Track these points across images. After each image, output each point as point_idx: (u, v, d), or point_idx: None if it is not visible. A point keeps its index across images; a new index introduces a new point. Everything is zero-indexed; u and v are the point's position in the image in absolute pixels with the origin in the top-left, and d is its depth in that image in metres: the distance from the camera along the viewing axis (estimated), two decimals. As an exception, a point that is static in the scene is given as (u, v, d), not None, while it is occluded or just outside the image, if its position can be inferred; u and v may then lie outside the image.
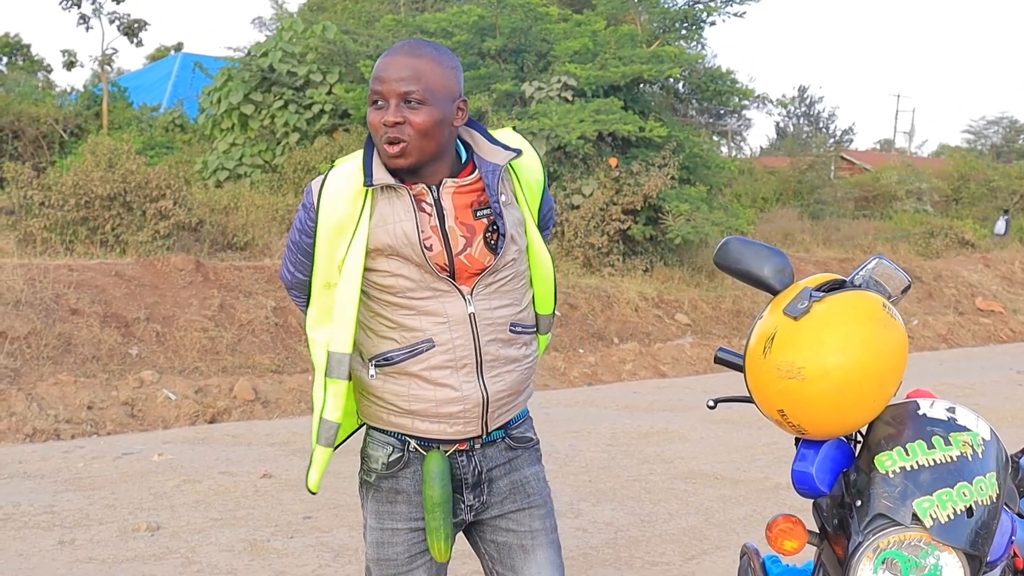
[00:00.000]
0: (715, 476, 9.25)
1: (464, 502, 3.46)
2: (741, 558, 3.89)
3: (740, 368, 3.50)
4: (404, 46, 3.31)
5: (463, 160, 3.41)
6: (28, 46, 41.48)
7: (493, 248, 3.34)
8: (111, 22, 30.78)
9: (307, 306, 3.53)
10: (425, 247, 3.26)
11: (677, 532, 7.64)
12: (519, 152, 3.42)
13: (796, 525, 3.31)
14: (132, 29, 31.28)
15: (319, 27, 25.14)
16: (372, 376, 3.37)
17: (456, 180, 3.33)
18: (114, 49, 52.50)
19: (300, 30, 25.68)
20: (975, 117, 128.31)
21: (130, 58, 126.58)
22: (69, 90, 36.60)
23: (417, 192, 3.31)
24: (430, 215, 3.31)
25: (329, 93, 24.33)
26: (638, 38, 23.56)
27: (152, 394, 11.78)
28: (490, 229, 3.35)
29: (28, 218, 16.33)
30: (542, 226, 3.61)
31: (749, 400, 3.41)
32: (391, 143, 3.23)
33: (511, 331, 3.40)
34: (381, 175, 3.29)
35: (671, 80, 24.80)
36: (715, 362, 3.85)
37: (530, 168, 3.50)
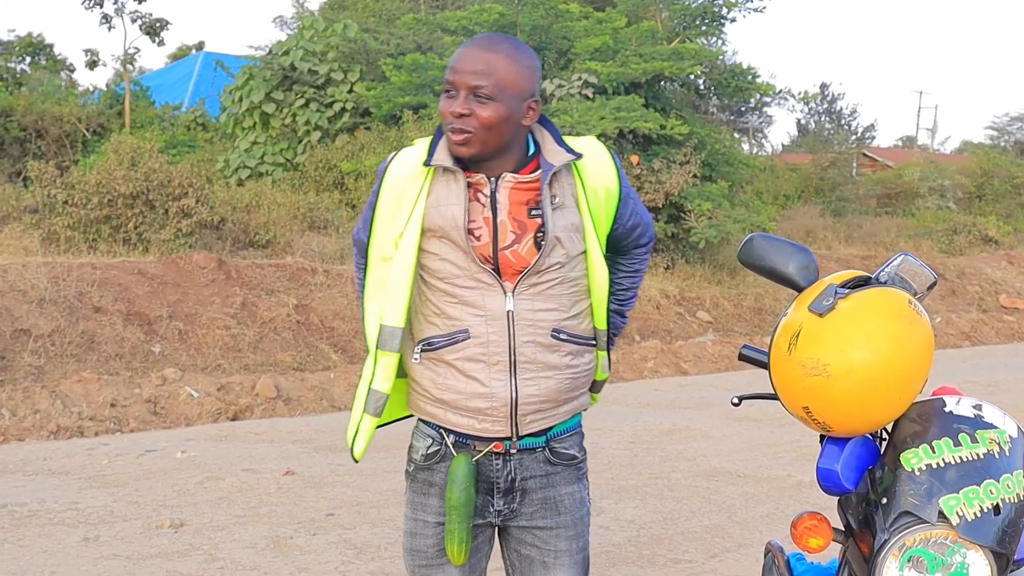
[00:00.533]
0: (738, 474, 9.26)
1: (493, 506, 3.46)
2: (765, 556, 3.86)
3: (765, 365, 3.46)
4: (483, 39, 3.33)
5: (530, 156, 3.42)
6: (51, 46, 41.49)
7: (542, 248, 3.32)
8: (133, 21, 30.81)
9: (360, 269, 3.61)
10: (472, 235, 3.28)
11: (700, 530, 7.64)
12: (579, 156, 3.38)
13: (821, 523, 3.29)
14: (154, 28, 31.31)
15: (340, 26, 25.15)
16: (416, 360, 3.39)
17: (516, 176, 3.33)
18: (136, 48, 52.55)
19: (321, 29, 25.69)
20: (998, 113, 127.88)
21: (152, 57, 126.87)
22: (92, 89, 36.64)
23: (475, 181, 3.33)
24: (484, 205, 3.32)
25: (350, 91, 24.33)
26: (659, 35, 23.53)
27: (175, 392, 11.82)
28: (542, 229, 3.33)
29: (52, 216, 16.35)
30: (622, 239, 3.59)
31: (774, 397, 3.39)
32: (455, 132, 3.25)
33: (553, 336, 3.35)
34: (442, 157, 3.31)
35: (692, 77, 24.75)
36: (739, 359, 3.82)
37: (599, 174, 3.44)
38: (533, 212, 3.32)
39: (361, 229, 3.59)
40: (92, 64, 34.99)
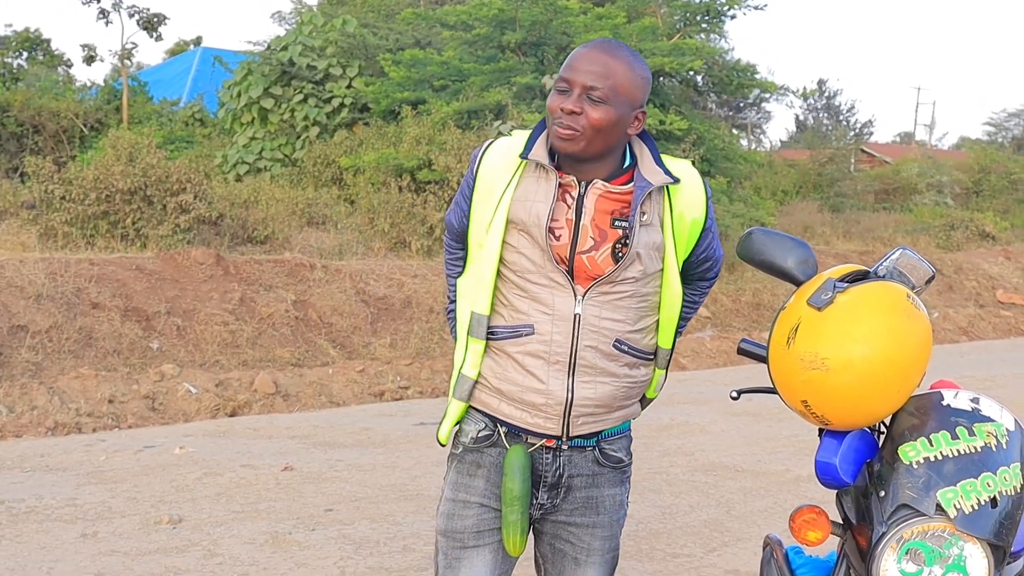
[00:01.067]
0: (736, 468, 9.30)
1: (537, 499, 3.49)
2: (764, 549, 3.86)
3: (763, 359, 3.49)
4: (604, 43, 3.36)
5: (624, 168, 3.43)
6: (48, 41, 41.44)
7: (618, 260, 3.34)
8: (130, 16, 30.77)
9: (452, 250, 3.70)
10: (552, 234, 3.32)
11: (698, 524, 7.68)
12: (676, 180, 3.40)
13: (820, 516, 3.30)
14: (151, 23, 31.28)
15: (339, 21, 25.20)
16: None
17: (606, 184, 3.35)
18: (134, 43, 52.41)
19: (320, 24, 25.73)
20: (996, 110, 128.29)
21: (150, 52, 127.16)
22: (89, 85, 36.65)
23: (565, 182, 3.36)
24: (569, 207, 3.35)
25: (349, 87, 24.39)
26: (659, 31, 23.57)
27: (173, 388, 11.82)
28: (621, 241, 3.35)
29: (49, 212, 16.33)
30: (691, 268, 3.60)
31: (772, 391, 3.42)
32: (563, 128, 3.28)
33: (615, 347, 3.39)
34: (539, 152, 3.35)
35: (691, 73, 24.80)
36: (738, 353, 3.87)
37: (689, 202, 3.47)
38: (616, 222, 3.35)
39: (452, 212, 3.64)
40: (89, 59, 35.02)
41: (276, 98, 24.60)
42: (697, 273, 3.62)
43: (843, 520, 3.39)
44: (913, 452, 3.09)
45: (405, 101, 22.78)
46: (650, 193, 3.35)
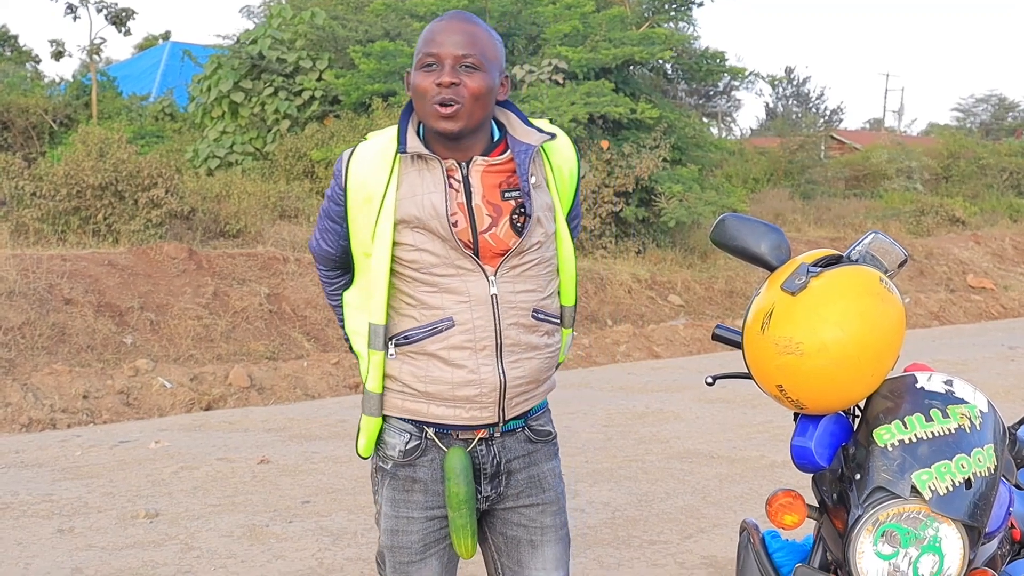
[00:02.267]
0: (711, 455, 9.33)
1: (481, 493, 3.45)
2: (741, 533, 3.82)
3: (738, 345, 3.48)
4: (457, 14, 3.33)
5: (495, 140, 3.40)
6: (15, 37, 41.43)
7: (519, 230, 3.32)
8: (98, 11, 30.68)
9: (331, 281, 3.63)
10: (451, 222, 3.25)
11: (674, 511, 7.71)
12: (553, 135, 3.41)
13: (796, 500, 3.30)
14: (120, 18, 31.19)
15: (308, 13, 25.13)
16: (391, 356, 3.37)
17: (487, 159, 3.32)
18: (102, 39, 52.49)
19: (289, 17, 25.67)
20: (964, 95, 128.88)
21: (118, 47, 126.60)
22: (58, 80, 36.53)
23: (447, 167, 3.29)
24: (457, 191, 3.29)
25: (319, 79, 24.33)
26: (627, 20, 23.61)
27: (147, 382, 11.83)
28: (517, 211, 3.32)
29: (20, 209, 16.30)
30: (569, 225, 3.57)
31: (748, 376, 3.40)
32: (444, 104, 3.21)
33: (533, 317, 3.38)
34: (415, 144, 3.29)
35: (661, 62, 24.85)
36: (713, 339, 3.84)
37: (564, 156, 3.49)
38: (506, 194, 3.32)
39: (320, 240, 3.57)
40: (58, 55, 34.94)
41: (246, 92, 24.54)
42: (568, 221, 3.58)
43: (819, 504, 3.40)
44: (888, 435, 3.09)
45: (376, 93, 22.75)
46: (533, 157, 3.35)
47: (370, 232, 3.32)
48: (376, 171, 3.30)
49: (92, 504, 7.79)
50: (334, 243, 3.50)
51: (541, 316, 3.39)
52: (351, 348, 3.53)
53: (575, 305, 3.59)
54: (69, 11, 30.35)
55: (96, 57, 33.18)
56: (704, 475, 8.66)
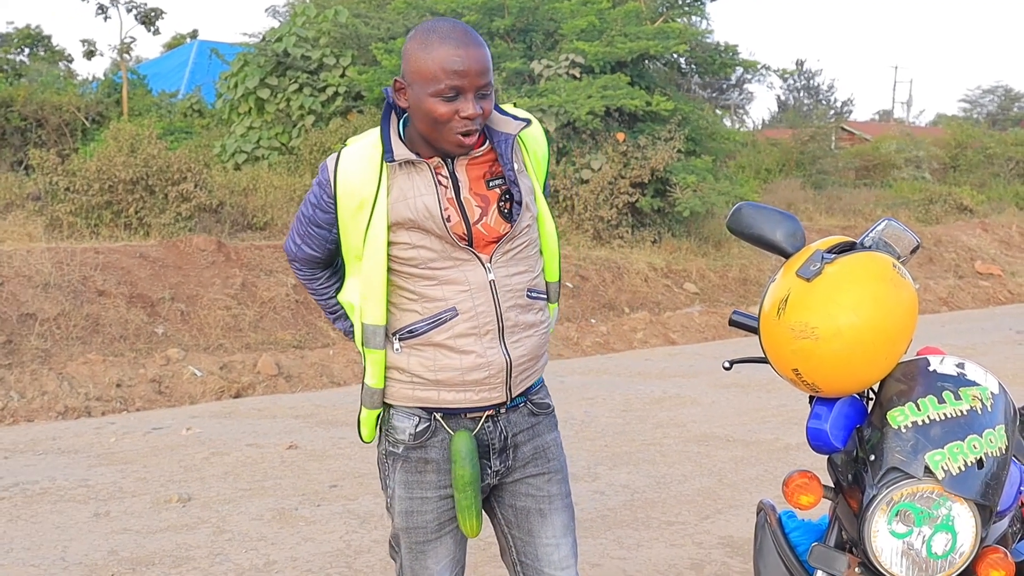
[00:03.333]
0: (727, 438, 9.40)
1: (490, 468, 3.54)
2: (758, 514, 3.88)
3: (754, 330, 3.54)
4: (468, 35, 3.26)
5: None
6: (49, 37, 41.47)
7: (507, 216, 3.40)
8: (128, 11, 30.88)
9: (314, 278, 3.69)
10: (445, 219, 3.31)
11: (692, 493, 7.79)
12: (529, 122, 3.47)
13: (812, 480, 3.35)
14: (149, 18, 31.36)
15: (331, 12, 25.15)
16: (397, 351, 3.43)
17: (469, 153, 3.38)
18: (132, 38, 52.45)
19: (313, 15, 25.69)
20: (971, 86, 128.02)
21: (148, 46, 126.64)
22: (90, 79, 36.65)
23: (434, 166, 3.35)
24: (446, 187, 3.35)
25: (343, 76, 24.37)
26: (643, 15, 23.62)
27: (178, 371, 11.91)
28: (503, 198, 3.41)
29: (54, 203, 16.44)
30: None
31: (764, 361, 3.44)
32: (467, 135, 3.27)
33: (528, 296, 3.47)
34: (402, 151, 3.32)
35: (675, 56, 24.85)
36: (730, 325, 3.88)
37: (537, 140, 3.57)
38: (491, 183, 3.42)
39: (302, 245, 3.59)
40: (89, 54, 35.13)
41: (272, 88, 24.60)
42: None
43: (834, 484, 3.44)
44: (901, 417, 3.14)
45: (398, 89, 22.83)
46: (512, 143, 3.42)
47: (361, 237, 3.38)
48: (365, 178, 3.34)
49: (127, 489, 7.87)
50: (320, 247, 3.55)
51: (534, 295, 3.51)
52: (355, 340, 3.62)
53: (559, 280, 3.70)
54: (100, 11, 30.53)
55: (126, 56, 33.38)
56: (720, 458, 8.74)
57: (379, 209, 3.33)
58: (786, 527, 3.76)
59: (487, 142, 3.44)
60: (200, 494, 7.75)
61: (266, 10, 51.67)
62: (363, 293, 3.43)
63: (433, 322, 3.38)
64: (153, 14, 31.27)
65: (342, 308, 3.69)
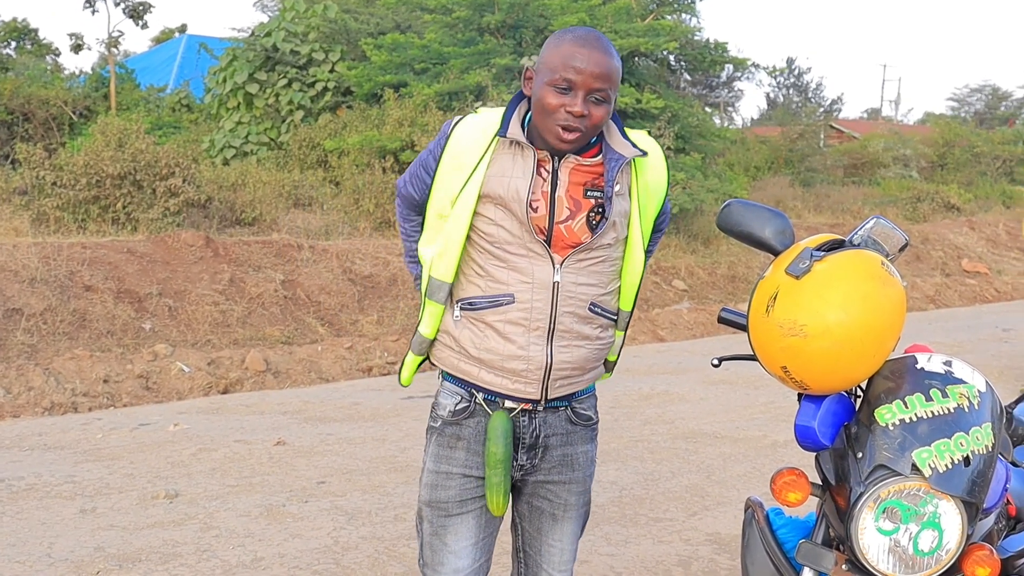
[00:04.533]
0: (715, 435, 9.41)
1: (516, 460, 3.61)
2: (746, 511, 3.89)
3: (743, 327, 3.53)
4: (598, 40, 3.38)
5: (592, 142, 3.51)
6: (36, 30, 41.37)
7: (592, 227, 3.44)
8: (116, 5, 30.84)
9: (408, 218, 3.85)
10: (531, 207, 3.40)
11: (679, 489, 7.81)
12: (645, 153, 3.52)
13: (800, 478, 3.35)
14: (137, 12, 31.33)
15: (321, 7, 25.17)
16: (456, 317, 3.54)
17: (578, 158, 3.45)
18: (120, 32, 52.28)
19: (302, 10, 25.71)
20: (959, 85, 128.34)
21: (136, 40, 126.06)
22: (77, 73, 36.66)
23: (540, 157, 3.44)
24: (545, 180, 3.44)
25: (332, 71, 24.41)
26: (633, 12, 23.65)
27: (166, 367, 11.89)
28: (595, 210, 3.45)
29: (41, 198, 16.40)
30: (654, 230, 3.72)
31: (752, 358, 3.45)
32: (568, 130, 3.35)
33: (590, 310, 3.50)
34: (515, 131, 3.43)
35: (665, 53, 24.89)
36: (719, 322, 3.90)
37: (655, 172, 3.60)
38: (588, 193, 3.45)
39: (409, 183, 3.75)
40: (77, 48, 35.06)
41: (261, 83, 24.63)
42: (654, 229, 3.71)
43: (822, 481, 3.43)
44: (889, 414, 3.14)
45: (387, 84, 22.80)
46: (621, 166, 3.45)
47: (451, 198, 3.48)
48: (475, 145, 3.46)
49: (113, 485, 7.85)
50: (419, 190, 3.69)
51: (598, 310, 3.54)
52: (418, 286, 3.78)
53: (631, 311, 3.73)
54: (87, 5, 30.50)
55: (114, 50, 33.33)
56: (708, 455, 8.75)
57: (476, 176, 3.43)
58: (774, 524, 3.76)
59: (599, 155, 3.51)
60: (187, 490, 7.74)
61: (255, 5, 51.82)
62: (440, 249, 3.52)
63: (492, 302, 3.47)
64: (141, 8, 31.25)
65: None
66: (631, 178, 3.55)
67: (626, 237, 3.56)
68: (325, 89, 24.33)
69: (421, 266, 3.70)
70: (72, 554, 6.41)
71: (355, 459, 8.58)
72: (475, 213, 3.46)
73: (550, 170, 3.45)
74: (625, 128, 3.58)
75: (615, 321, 3.67)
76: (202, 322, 13.38)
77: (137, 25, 31.62)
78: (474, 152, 3.46)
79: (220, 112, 25.84)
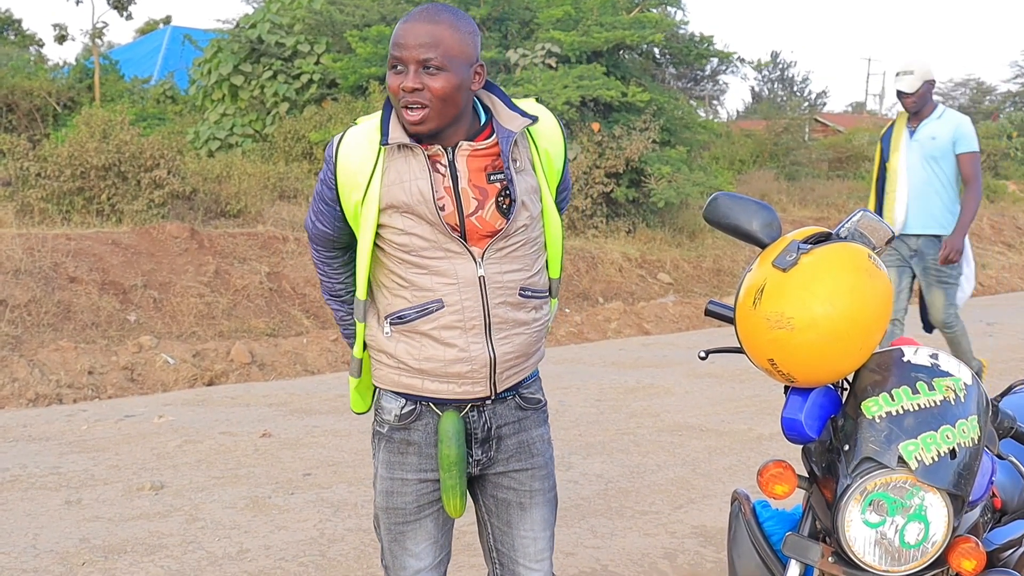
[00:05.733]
0: (700, 428, 9.41)
1: (472, 456, 3.57)
2: (732, 503, 3.89)
3: (730, 320, 3.52)
4: (423, 12, 3.32)
5: (482, 123, 3.47)
6: (19, 21, 41.37)
7: (505, 212, 3.40)
8: (100, -5, 30.80)
9: (327, 261, 3.71)
10: (438, 206, 3.33)
11: (665, 482, 7.81)
12: (535, 119, 3.46)
13: (786, 470, 3.37)
14: (121, 3, 31.22)
15: (305, -1, 25.21)
16: (388, 334, 3.49)
17: (472, 144, 3.39)
18: (104, 23, 52.40)
19: (287, 2, 25.68)
20: (943, 80, 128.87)
21: (120, 31, 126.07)
22: (61, 64, 36.53)
23: (432, 153, 3.37)
24: (444, 176, 3.37)
25: (317, 63, 24.37)
26: (619, 5, 23.65)
27: (151, 359, 11.88)
28: (503, 194, 3.41)
29: (25, 189, 16.36)
30: (558, 203, 3.66)
31: (739, 351, 3.44)
32: (409, 108, 3.28)
33: (521, 295, 3.48)
34: (397, 134, 3.35)
35: (650, 46, 24.90)
36: (706, 315, 3.89)
37: (549, 137, 3.55)
38: (492, 177, 3.41)
39: (316, 222, 3.62)
40: (61, 39, 34.97)
41: (246, 75, 24.58)
42: (557, 201, 3.68)
43: (809, 474, 3.46)
44: (875, 407, 3.15)
45: (372, 76, 22.79)
46: (516, 140, 3.43)
47: (353, 214, 3.45)
48: (363, 158, 3.39)
49: (98, 477, 7.86)
50: (330, 224, 3.56)
51: (528, 293, 3.52)
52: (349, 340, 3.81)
53: (560, 276, 3.71)
54: (72, -5, 30.41)
55: (98, 41, 33.20)
56: (694, 447, 8.76)
57: (372, 189, 3.36)
58: (760, 517, 3.76)
59: (493, 135, 3.44)
60: (173, 482, 7.74)
61: (239, -5, 51.67)
62: (357, 269, 3.51)
63: (421, 311, 3.42)
64: (126, -1, 31.17)
65: (346, 311, 3.79)
66: (531, 150, 3.51)
67: (540, 211, 3.53)
68: (310, 81, 24.30)
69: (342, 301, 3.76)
70: (57, 545, 6.41)
71: (341, 451, 8.58)
72: (380, 225, 3.41)
73: (446, 163, 3.40)
74: (513, 100, 3.53)
75: (546, 296, 3.67)
76: (187, 314, 13.37)
77: (121, 16, 31.55)
78: (365, 165, 3.40)
79: (205, 104, 25.80)
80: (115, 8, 31.10)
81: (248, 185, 18.89)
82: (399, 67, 3.30)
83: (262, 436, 9.04)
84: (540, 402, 3.73)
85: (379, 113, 3.48)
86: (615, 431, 9.31)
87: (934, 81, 9.22)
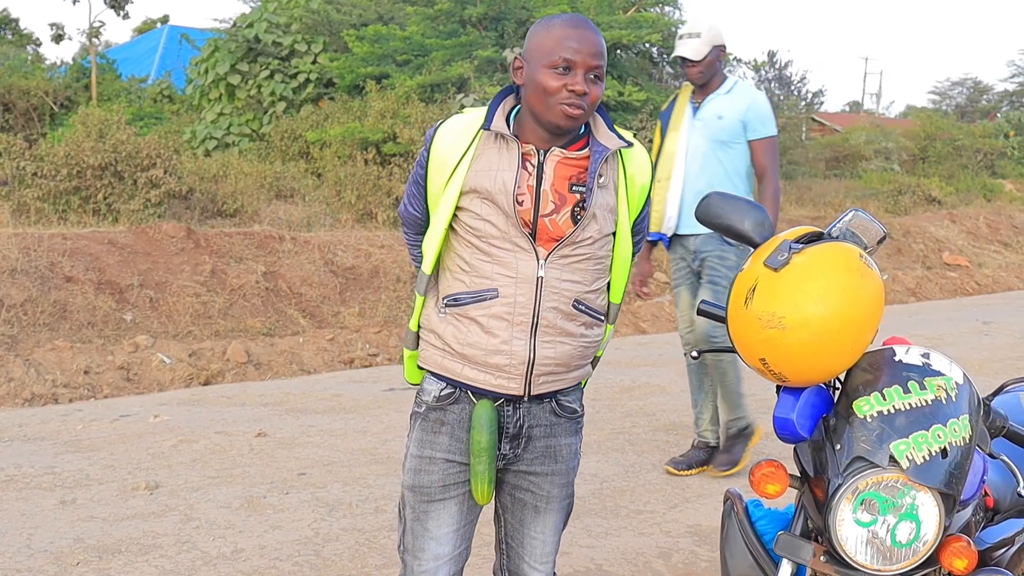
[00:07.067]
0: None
1: (500, 450, 3.64)
2: (725, 503, 3.91)
3: (722, 319, 3.54)
4: (586, 21, 3.48)
5: (579, 135, 3.56)
6: (16, 20, 41.41)
7: (577, 222, 3.47)
8: (97, -5, 30.81)
9: (415, 244, 3.82)
10: (516, 201, 3.43)
11: (660, 482, 7.82)
12: (631, 144, 3.56)
13: (778, 469, 3.39)
14: (118, 2, 31.28)
15: (302, -3, 25.23)
16: (441, 313, 3.58)
17: (563, 151, 3.49)
18: (101, 22, 52.39)
19: (285, 1, 25.72)
20: (940, 78, 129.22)
21: (117, 31, 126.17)
22: (58, 63, 36.60)
23: (525, 151, 3.48)
24: (530, 174, 3.47)
25: (314, 62, 24.42)
26: (615, 4, 23.68)
27: (147, 358, 11.87)
28: (580, 204, 3.48)
29: (21, 188, 16.36)
30: (635, 231, 3.72)
31: (732, 350, 3.46)
32: (573, 107, 3.39)
33: (575, 307, 3.53)
34: (500, 124, 3.48)
35: (647, 45, 24.92)
36: (698, 314, 3.92)
37: (638, 165, 3.63)
38: (574, 187, 3.48)
39: (408, 204, 3.75)
40: (58, 38, 35.06)
41: (243, 74, 24.62)
42: (635, 230, 3.71)
43: (800, 473, 3.47)
44: (867, 406, 3.17)
45: (369, 76, 22.83)
46: (607, 158, 3.50)
47: (438, 194, 3.55)
48: (458, 141, 3.51)
49: (93, 476, 7.84)
50: (420, 207, 3.68)
51: (582, 308, 3.56)
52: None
53: (620, 303, 3.76)
54: (68, -6, 30.43)
55: (95, 40, 33.23)
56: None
57: (459, 172, 3.49)
58: (753, 516, 3.78)
59: (586, 148, 3.54)
60: (168, 482, 7.73)
61: (236, -5, 51.68)
62: (425, 242, 3.62)
63: (476, 297, 3.50)
64: (123, -2, 31.19)
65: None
66: (617, 171, 3.57)
67: (613, 233, 3.58)
68: (307, 80, 24.35)
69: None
70: (52, 545, 6.40)
71: (336, 451, 8.58)
72: (459, 208, 3.50)
73: (535, 164, 3.48)
74: (614, 125, 3.61)
75: (602, 320, 3.70)
76: (183, 313, 13.36)
77: (118, 15, 31.63)
78: (456, 149, 3.50)
79: (202, 103, 25.85)
80: (112, 7, 31.16)
81: (245, 184, 18.92)
82: (565, 68, 3.40)
83: (257, 436, 9.03)
84: (576, 412, 3.78)
85: (485, 108, 3.59)
86: (610, 430, 9.32)
87: (724, 47, 7.88)
